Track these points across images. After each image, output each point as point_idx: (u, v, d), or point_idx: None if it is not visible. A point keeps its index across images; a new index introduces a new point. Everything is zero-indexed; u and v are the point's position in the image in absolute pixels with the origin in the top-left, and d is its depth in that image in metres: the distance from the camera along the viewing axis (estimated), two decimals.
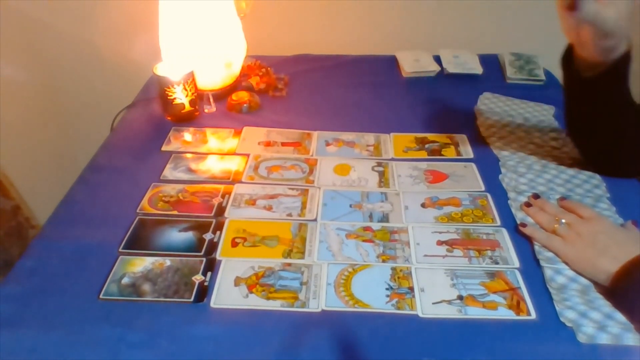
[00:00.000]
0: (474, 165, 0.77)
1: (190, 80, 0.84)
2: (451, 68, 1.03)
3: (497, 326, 0.52)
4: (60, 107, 1.34)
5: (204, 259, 0.60)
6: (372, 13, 1.19)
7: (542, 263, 0.59)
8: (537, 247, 0.61)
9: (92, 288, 0.56)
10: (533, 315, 0.53)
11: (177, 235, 0.63)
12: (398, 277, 0.58)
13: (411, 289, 0.56)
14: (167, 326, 0.52)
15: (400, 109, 0.93)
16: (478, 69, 1.03)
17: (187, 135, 0.84)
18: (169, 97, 0.84)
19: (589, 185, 0.71)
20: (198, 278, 0.58)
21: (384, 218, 0.67)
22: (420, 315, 0.53)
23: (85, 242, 0.62)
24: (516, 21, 1.18)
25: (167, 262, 0.60)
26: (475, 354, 0.50)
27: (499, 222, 0.66)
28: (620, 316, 0.52)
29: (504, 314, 0.54)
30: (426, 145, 0.82)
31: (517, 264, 0.60)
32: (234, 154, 0.80)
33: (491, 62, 1.07)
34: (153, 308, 0.54)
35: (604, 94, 0.63)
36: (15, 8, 1.16)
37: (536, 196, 0.68)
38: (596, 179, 0.72)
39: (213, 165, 0.77)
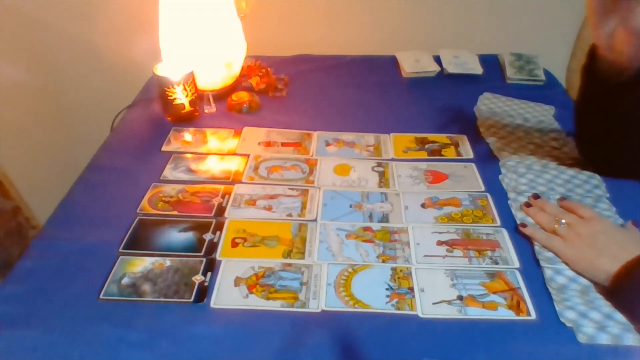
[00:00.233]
0: (474, 165, 0.77)
1: (190, 80, 0.84)
2: (451, 68, 1.03)
3: (497, 326, 0.52)
4: (61, 107, 1.34)
5: (204, 259, 0.60)
6: (372, 13, 1.19)
7: (542, 263, 0.59)
8: (537, 247, 0.61)
9: (92, 288, 0.56)
10: (533, 315, 0.53)
11: (177, 236, 0.63)
12: (398, 277, 0.58)
13: (411, 289, 0.56)
14: (167, 326, 0.52)
15: (400, 109, 0.93)
16: (478, 69, 1.03)
17: (187, 136, 0.84)
18: (169, 97, 0.84)
19: (589, 186, 0.71)
20: (198, 278, 0.58)
21: (384, 218, 0.67)
22: (420, 315, 0.53)
23: (85, 242, 0.62)
24: (516, 21, 1.19)
25: (167, 262, 0.60)
26: (475, 354, 0.50)
27: (499, 223, 0.66)
28: (620, 316, 0.52)
29: (504, 314, 0.54)
30: (426, 146, 0.82)
31: (517, 264, 0.60)
32: (234, 154, 0.80)
33: (491, 62, 1.07)
34: (153, 308, 0.54)
35: (629, 99, 0.62)
36: (15, 8, 1.16)
37: (536, 196, 0.68)
38: (596, 179, 0.72)
39: (213, 166, 0.77)
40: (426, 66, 1.04)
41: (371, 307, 0.54)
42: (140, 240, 0.63)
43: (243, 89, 0.95)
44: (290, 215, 0.67)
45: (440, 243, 0.63)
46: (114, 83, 1.23)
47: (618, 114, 0.65)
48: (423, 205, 0.69)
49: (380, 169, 0.76)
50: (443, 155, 0.79)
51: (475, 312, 0.54)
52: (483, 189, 0.72)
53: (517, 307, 0.54)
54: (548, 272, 0.58)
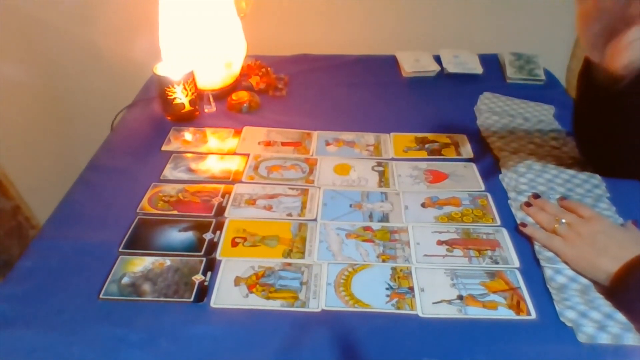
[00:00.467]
0: (474, 165, 0.77)
1: (190, 80, 0.84)
2: (451, 68, 1.03)
3: (497, 326, 0.52)
4: (61, 107, 1.34)
5: (204, 259, 0.60)
6: (372, 13, 1.19)
7: (542, 263, 0.59)
8: (537, 247, 0.61)
9: (92, 288, 0.56)
10: (533, 315, 0.53)
11: (177, 235, 0.63)
12: (398, 277, 0.58)
13: (411, 288, 0.56)
14: (167, 326, 0.52)
15: (400, 109, 0.93)
16: (478, 69, 1.03)
17: (187, 135, 0.84)
18: (169, 97, 0.84)
19: (589, 185, 0.71)
20: (198, 278, 0.57)
21: (384, 218, 0.67)
22: (420, 315, 0.53)
23: (85, 242, 0.62)
24: (516, 21, 1.19)
25: (167, 262, 0.60)
26: (475, 354, 0.50)
27: (499, 222, 0.66)
28: (620, 316, 0.52)
29: (504, 313, 0.54)
30: (426, 145, 0.82)
31: (517, 263, 0.60)
32: (234, 153, 0.80)
33: (491, 62, 1.07)
34: (153, 308, 0.54)
35: (627, 104, 0.62)
36: (15, 8, 1.16)
37: (536, 196, 0.68)
38: (596, 179, 0.72)
39: (213, 165, 0.77)
40: (426, 66, 1.04)
41: (371, 307, 0.54)
42: (140, 239, 0.63)
43: (243, 89, 0.95)
44: (290, 214, 0.67)
45: (440, 243, 0.63)
46: (114, 83, 1.23)
47: (616, 118, 0.65)
48: (423, 205, 0.69)
49: (380, 168, 0.76)
50: (443, 155, 0.79)
51: (475, 312, 0.54)
52: (483, 188, 0.72)
53: (517, 306, 0.54)
54: (548, 272, 0.58)
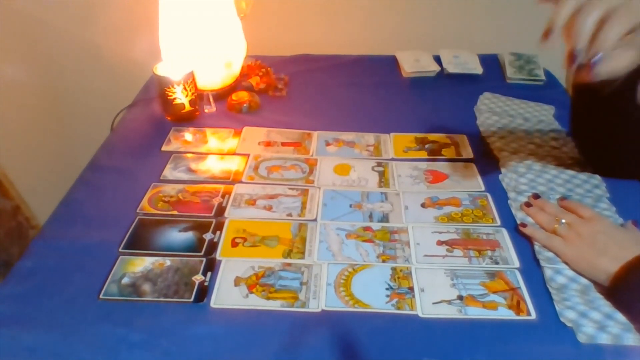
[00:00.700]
0: (474, 165, 0.77)
1: (190, 80, 0.84)
2: (451, 68, 1.03)
3: (497, 326, 0.52)
4: (60, 107, 1.34)
5: (204, 259, 0.60)
6: (372, 13, 1.19)
7: (542, 263, 0.59)
8: (537, 247, 0.61)
9: (92, 288, 0.56)
10: (533, 315, 0.53)
11: (177, 235, 0.63)
12: (398, 277, 0.58)
13: (411, 289, 0.56)
14: (167, 326, 0.52)
15: (400, 109, 0.93)
16: (478, 69, 1.03)
17: (187, 135, 0.84)
18: (169, 97, 0.84)
19: (589, 185, 0.71)
20: (198, 278, 0.57)
21: (384, 218, 0.67)
22: (420, 315, 0.53)
23: (85, 242, 0.62)
24: (516, 21, 1.18)
25: (167, 262, 0.60)
26: (475, 354, 0.50)
27: (499, 222, 0.66)
28: (620, 316, 0.52)
29: (504, 314, 0.54)
30: (426, 145, 0.82)
31: (517, 264, 0.60)
32: (234, 154, 0.80)
33: (491, 62, 1.07)
34: (153, 308, 0.54)
35: (619, 105, 0.62)
36: (16, 8, 1.16)
37: (536, 196, 0.68)
38: (596, 179, 0.72)
39: (213, 165, 0.77)
40: (426, 66, 1.04)
41: (371, 307, 0.54)
42: (140, 240, 0.63)
43: (243, 89, 0.95)
44: (290, 215, 0.67)
45: (440, 243, 0.63)
46: (114, 83, 1.23)
47: (611, 118, 0.65)
48: (423, 205, 0.69)
49: (380, 168, 0.76)
50: (443, 155, 0.79)
51: (475, 312, 0.54)
52: (483, 188, 0.72)
53: (517, 307, 0.54)
54: (548, 272, 0.58)
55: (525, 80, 1.00)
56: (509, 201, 0.69)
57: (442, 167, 0.77)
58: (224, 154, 0.80)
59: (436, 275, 0.58)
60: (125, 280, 0.57)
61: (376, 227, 0.65)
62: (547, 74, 1.02)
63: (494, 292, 0.56)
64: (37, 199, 1.19)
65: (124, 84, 1.05)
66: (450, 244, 0.62)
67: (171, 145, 0.82)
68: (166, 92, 0.83)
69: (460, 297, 0.55)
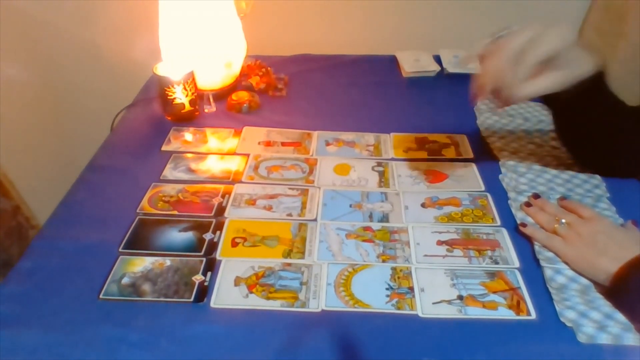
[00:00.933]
0: (474, 165, 0.77)
1: (190, 80, 0.84)
2: (451, 68, 1.03)
3: (497, 326, 0.52)
4: (60, 107, 1.34)
5: (204, 259, 0.60)
6: (372, 13, 1.19)
7: (542, 263, 0.59)
8: (537, 247, 0.61)
9: (92, 288, 0.56)
10: (533, 315, 0.53)
11: (177, 235, 0.63)
12: (398, 277, 0.58)
13: (411, 289, 0.56)
14: (167, 326, 0.52)
15: (400, 109, 0.93)
16: (478, 69, 1.03)
17: (187, 135, 0.84)
18: (169, 97, 0.84)
19: (589, 185, 0.71)
20: (198, 278, 0.57)
21: (384, 218, 0.67)
22: (420, 315, 0.53)
23: (85, 242, 0.62)
24: (516, 21, 1.18)
25: (167, 262, 0.60)
26: (475, 354, 0.50)
27: (499, 222, 0.66)
28: (620, 316, 0.52)
29: (504, 314, 0.54)
30: (426, 146, 0.82)
31: (517, 264, 0.60)
32: (234, 154, 0.80)
33: None
34: (153, 308, 0.54)
35: (588, 107, 0.64)
36: (16, 8, 1.16)
37: (536, 196, 0.68)
38: (596, 179, 0.72)
39: (213, 165, 0.77)
40: (426, 66, 1.04)
41: (371, 307, 0.54)
42: (140, 240, 0.63)
43: (243, 89, 0.95)
44: (290, 215, 0.67)
45: (440, 243, 0.63)
46: (114, 83, 1.23)
47: (585, 120, 0.66)
48: (423, 205, 0.69)
49: (380, 168, 0.76)
50: (443, 155, 0.79)
51: (475, 312, 0.54)
52: (483, 188, 0.72)
53: (517, 306, 0.54)
54: (548, 272, 0.58)
55: None
56: (509, 201, 0.69)
57: (442, 167, 0.77)
58: (224, 154, 0.80)
59: (436, 275, 0.58)
60: (125, 280, 0.57)
61: (376, 227, 0.65)
62: None
63: (494, 292, 0.56)
64: (37, 199, 1.19)
65: (124, 84, 1.05)
66: (450, 244, 0.62)
67: (171, 145, 0.82)
68: (166, 92, 0.83)
69: (460, 297, 0.55)
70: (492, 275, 0.58)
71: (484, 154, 0.79)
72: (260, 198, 0.70)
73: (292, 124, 0.87)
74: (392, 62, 1.08)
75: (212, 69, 0.91)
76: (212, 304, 0.55)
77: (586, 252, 0.57)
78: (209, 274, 0.58)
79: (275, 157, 0.79)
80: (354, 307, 0.54)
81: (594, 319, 0.52)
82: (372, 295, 0.56)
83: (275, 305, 0.55)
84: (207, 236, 0.63)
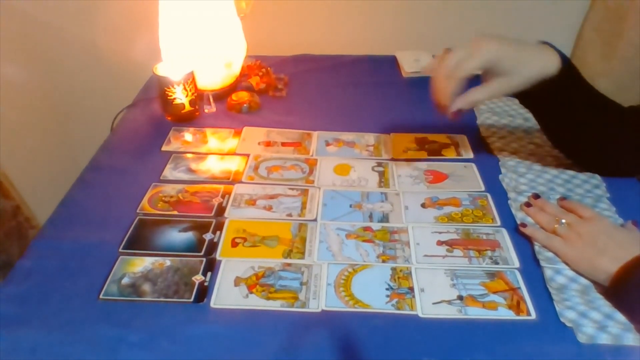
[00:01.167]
0: (474, 165, 0.77)
1: (190, 80, 0.84)
2: None
3: (497, 326, 0.52)
4: (60, 107, 1.34)
5: (204, 259, 0.60)
6: (372, 13, 1.19)
7: (542, 263, 0.59)
8: (537, 247, 0.61)
9: (92, 288, 0.56)
10: (533, 315, 0.53)
11: (177, 235, 0.63)
12: (398, 277, 0.58)
13: (411, 289, 0.56)
14: (167, 326, 0.52)
15: (400, 109, 0.93)
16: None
17: (187, 135, 0.84)
18: (169, 97, 0.84)
19: (589, 185, 0.71)
20: (198, 278, 0.58)
21: (384, 218, 0.67)
22: (420, 315, 0.53)
23: (85, 242, 0.62)
24: (516, 21, 1.18)
25: (167, 262, 0.60)
26: (475, 354, 0.50)
27: (499, 222, 0.66)
28: (620, 316, 0.52)
29: (504, 314, 0.54)
30: (426, 146, 0.82)
31: (517, 264, 0.60)
32: (234, 154, 0.80)
33: None
34: (153, 308, 0.54)
35: (562, 102, 0.65)
36: (16, 8, 1.16)
37: (536, 196, 0.68)
38: (596, 179, 0.72)
39: (213, 165, 0.77)
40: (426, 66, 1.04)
41: (371, 307, 0.54)
42: (140, 240, 0.63)
43: (243, 89, 0.95)
44: (290, 215, 0.67)
45: (440, 243, 0.63)
46: (114, 83, 1.23)
47: (562, 118, 0.68)
48: (423, 205, 0.69)
49: (380, 168, 0.76)
50: (443, 155, 0.79)
51: (475, 312, 0.54)
52: (483, 189, 0.72)
53: (517, 307, 0.54)
54: (548, 272, 0.58)
55: None
56: (509, 201, 0.69)
57: (442, 167, 0.77)
58: (224, 154, 0.80)
59: (436, 276, 0.58)
60: (125, 281, 0.57)
61: (376, 227, 0.65)
62: None
63: (494, 292, 0.56)
64: (37, 199, 1.19)
65: (124, 84, 1.05)
66: (450, 244, 0.62)
67: (171, 145, 0.82)
68: (166, 92, 0.83)
69: (460, 297, 0.55)
70: (492, 275, 0.58)
71: (484, 154, 0.79)
72: (260, 198, 0.70)
73: (292, 124, 0.87)
74: (392, 62, 1.08)
75: (212, 69, 0.91)
76: (212, 304, 0.55)
77: (586, 252, 0.57)
78: (209, 274, 0.58)
79: (275, 157, 0.79)
80: (354, 307, 0.54)
81: (594, 319, 0.52)
82: (372, 295, 0.56)
83: (275, 305, 0.55)
84: (207, 236, 0.63)
